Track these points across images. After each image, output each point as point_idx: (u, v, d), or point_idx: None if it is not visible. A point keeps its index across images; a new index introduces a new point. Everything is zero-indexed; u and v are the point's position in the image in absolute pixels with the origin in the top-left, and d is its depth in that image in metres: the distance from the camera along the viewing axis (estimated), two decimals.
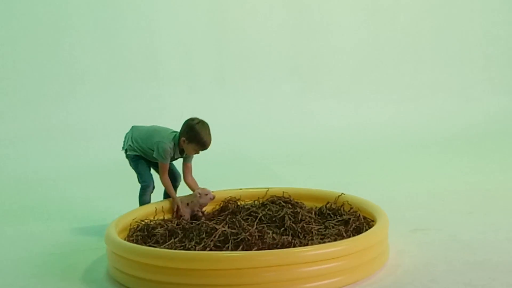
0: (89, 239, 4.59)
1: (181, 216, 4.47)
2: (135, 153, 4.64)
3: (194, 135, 4.38)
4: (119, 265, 3.71)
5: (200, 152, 4.49)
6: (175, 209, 4.48)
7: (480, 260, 3.89)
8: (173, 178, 4.62)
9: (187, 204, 4.48)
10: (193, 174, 4.65)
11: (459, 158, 6.87)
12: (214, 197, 4.49)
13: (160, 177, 4.53)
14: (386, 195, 5.27)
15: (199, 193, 4.47)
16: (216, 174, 6.23)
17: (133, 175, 4.73)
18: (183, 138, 4.42)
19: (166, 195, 4.69)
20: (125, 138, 4.71)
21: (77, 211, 5.29)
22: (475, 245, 4.15)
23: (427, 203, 5.19)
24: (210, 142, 4.42)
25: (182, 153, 4.54)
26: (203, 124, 4.42)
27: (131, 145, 4.64)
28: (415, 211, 4.95)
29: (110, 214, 4.85)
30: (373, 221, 4.09)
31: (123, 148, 4.72)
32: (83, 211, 5.28)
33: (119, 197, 5.54)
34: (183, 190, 4.63)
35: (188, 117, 4.52)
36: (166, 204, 4.54)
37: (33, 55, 7.29)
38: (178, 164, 4.67)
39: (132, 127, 4.75)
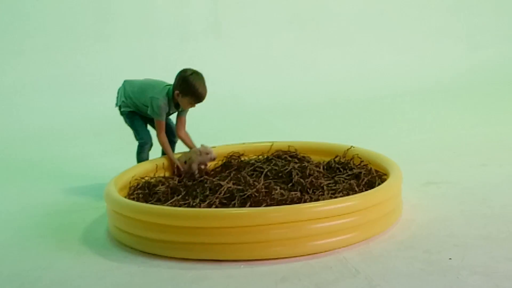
0: (85, 198, 4.60)
1: (181, 175, 4.46)
2: (129, 109, 4.61)
3: (188, 87, 4.33)
4: (121, 224, 3.71)
5: (196, 105, 4.45)
6: (174, 170, 4.47)
7: (498, 213, 3.92)
8: (171, 134, 4.60)
9: (185, 162, 4.46)
10: (190, 129, 4.63)
11: (468, 108, 6.88)
12: (215, 158, 4.44)
13: (157, 135, 4.51)
14: (394, 148, 5.25)
15: (200, 151, 4.43)
16: (213, 128, 6.23)
17: (129, 131, 4.72)
18: (176, 92, 4.37)
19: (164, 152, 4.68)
20: (118, 93, 4.67)
21: (71, 170, 5.29)
22: (491, 198, 4.18)
23: (438, 156, 5.20)
24: (205, 94, 4.37)
25: (177, 107, 4.50)
26: (197, 75, 4.36)
27: (125, 101, 4.60)
28: (426, 164, 4.97)
29: (106, 172, 4.85)
30: (385, 175, 4.10)
31: (116, 104, 4.67)
32: (77, 170, 5.28)
33: (115, 155, 5.55)
34: (180, 147, 4.62)
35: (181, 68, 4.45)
36: (166, 160, 4.53)
37: (19, 7, 7.18)
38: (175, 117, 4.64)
39: (124, 81, 4.69)
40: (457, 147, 5.43)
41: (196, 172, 4.39)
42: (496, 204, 4.08)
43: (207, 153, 4.40)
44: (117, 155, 5.44)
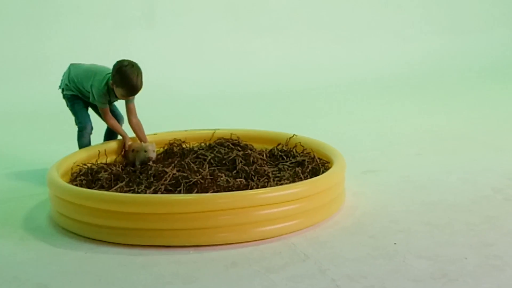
0: (23, 185, 4.50)
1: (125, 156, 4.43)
2: (71, 92, 4.54)
3: (121, 79, 4.26)
4: (66, 210, 3.66)
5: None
6: (125, 148, 4.44)
7: (436, 200, 4.06)
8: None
9: (132, 150, 4.41)
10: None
11: (401, 99, 7.02)
12: (152, 159, 4.28)
13: (104, 120, 4.48)
14: (330, 137, 5.27)
15: (143, 149, 4.33)
16: (149, 116, 6.12)
17: (70, 117, 4.63)
18: (111, 82, 4.33)
19: (107, 137, 4.64)
20: (63, 76, 4.60)
21: (6, 156, 5.14)
22: (428, 186, 4.31)
23: (375, 145, 5.31)
24: (139, 86, 4.29)
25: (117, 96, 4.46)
26: (132, 67, 4.28)
27: (68, 84, 4.53)
28: (363, 153, 5.06)
29: (45, 158, 4.76)
30: (328, 162, 4.17)
31: (60, 87, 4.61)
32: (14, 155, 5.13)
33: (55, 141, 5.39)
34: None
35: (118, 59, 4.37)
36: (109, 146, 4.47)
37: None
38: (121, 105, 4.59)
39: (70, 65, 4.62)
40: (392, 137, 5.55)
41: (138, 167, 4.32)
42: (433, 192, 4.22)
43: (145, 151, 4.30)
44: (57, 141, 5.31)
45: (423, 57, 8.41)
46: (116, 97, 4.44)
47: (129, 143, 4.45)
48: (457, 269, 3.13)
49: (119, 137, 4.55)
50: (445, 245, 3.41)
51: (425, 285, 2.99)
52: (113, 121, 4.46)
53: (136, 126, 4.48)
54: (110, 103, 4.51)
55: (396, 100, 6.99)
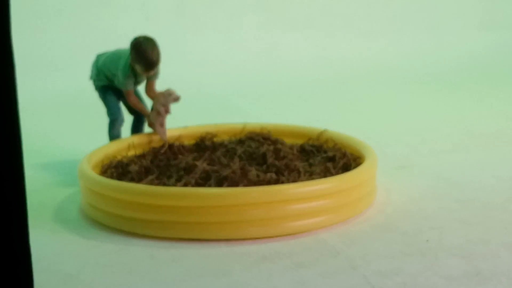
0: (53, 176, 4.56)
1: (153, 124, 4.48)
2: (102, 83, 4.60)
3: (137, 54, 4.28)
4: (97, 202, 3.71)
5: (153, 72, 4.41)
6: (148, 124, 4.54)
7: (471, 198, 4.04)
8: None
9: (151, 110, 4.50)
10: None
11: (435, 95, 7.00)
12: (178, 97, 4.43)
13: (128, 100, 4.52)
14: (363, 132, 5.29)
15: (164, 94, 4.42)
16: (179, 109, 6.18)
17: (100, 109, 4.69)
18: (130, 60, 4.37)
19: (133, 131, 4.69)
20: (92, 67, 4.66)
21: (37, 147, 5.20)
22: (462, 183, 4.29)
23: (408, 141, 5.29)
24: (155, 60, 4.30)
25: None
26: (146, 41, 4.30)
27: (98, 74, 4.60)
28: (396, 149, 5.06)
29: (75, 150, 4.83)
30: (359, 158, 4.17)
31: (90, 77, 4.67)
32: (44, 147, 5.21)
33: (85, 132, 5.45)
34: None
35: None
36: (138, 139, 4.52)
37: None
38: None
39: (96, 56, 4.68)
40: (425, 133, 5.52)
41: (162, 112, 4.41)
42: (467, 189, 4.19)
43: (170, 94, 4.40)
44: (87, 133, 5.37)
45: (457, 53, 8.36)
46: (143, 76, 4.48)
47: (148, 113, 4.51)
48: (490, 267, 3.13)
49: (145, 130, 4.63)
50: (479, 243, 3.40)
51: (458, 283, 2.99)
52: (135, 99, 4.50)
53: (154, 94, 4.51)
54: (138, 83, 4.54)
55: (430, 95, 6.96)
